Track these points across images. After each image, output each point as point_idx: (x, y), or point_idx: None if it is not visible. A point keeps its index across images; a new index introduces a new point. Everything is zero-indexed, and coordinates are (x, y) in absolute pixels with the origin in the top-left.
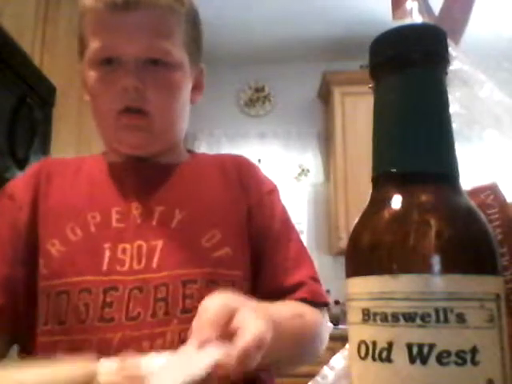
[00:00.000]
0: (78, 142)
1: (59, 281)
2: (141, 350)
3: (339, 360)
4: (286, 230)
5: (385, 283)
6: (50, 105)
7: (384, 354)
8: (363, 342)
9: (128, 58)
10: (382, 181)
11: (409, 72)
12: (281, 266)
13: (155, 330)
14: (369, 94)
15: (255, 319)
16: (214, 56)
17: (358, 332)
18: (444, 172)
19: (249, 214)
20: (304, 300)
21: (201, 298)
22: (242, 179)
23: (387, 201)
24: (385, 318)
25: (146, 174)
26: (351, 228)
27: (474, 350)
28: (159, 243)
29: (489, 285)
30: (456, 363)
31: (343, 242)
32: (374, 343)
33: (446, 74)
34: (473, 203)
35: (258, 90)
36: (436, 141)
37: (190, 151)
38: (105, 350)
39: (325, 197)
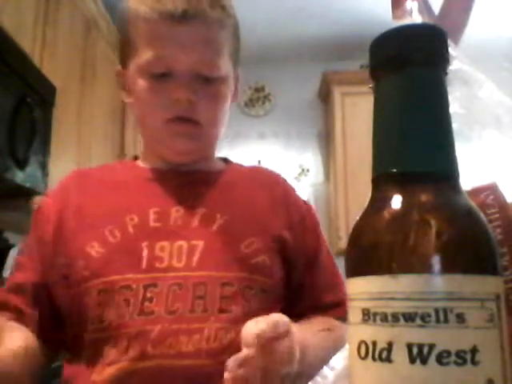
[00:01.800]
0: (78, 141)
1: (99, 280)
2: (178, 344)
3: (339, 360)
4: (324, 248)
5: (385, 283)
6: (50, 105)
7: (384, 354)
8: (363, 342)
9: (181, 71)
10: (382, 181)
11: (409, 72)
12: (321, 283)
13: (193, 325)
14: (369, 93)
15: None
16: None
17: (358, 332)
18: (444, 172)
19: (290, 230)
20: (341, 318)
21: (236, 300)
22: (287, 196)
23: (387, 201)
24: (385, 318)
25: (187, 179)
26: (351, 228)
27: (474, 350)
28: (200, 244)
29: (489, 285)
30: (456, 363)
31: (343, 242)
32: (374, 343)
33: (446, 74)
34: (473, 203)
35: (258, 89)
36: (436, 141)
37: (223, 159)
38: (143, 341)
39: (325, 197)
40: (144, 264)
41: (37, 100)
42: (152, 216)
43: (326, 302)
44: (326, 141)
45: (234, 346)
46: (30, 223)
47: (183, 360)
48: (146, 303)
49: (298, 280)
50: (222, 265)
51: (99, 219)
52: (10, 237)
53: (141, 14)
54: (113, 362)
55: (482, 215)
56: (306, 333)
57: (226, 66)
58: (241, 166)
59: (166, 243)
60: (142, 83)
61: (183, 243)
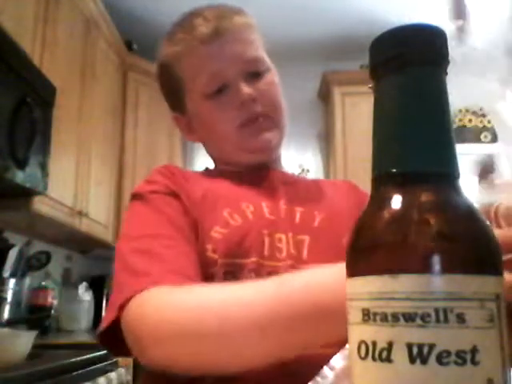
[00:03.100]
0: (78, 141)
1: (226, 260)
2: None
3: (339, 360)
4: None
5: (385, 283)
6: (50, 105)
7: (384, 354)
8: (363, 342)
9: (233, 77)
10: (382, 181)
11: (409, 72)
12: None
13: None
14: (369, 93)
15: None
16: None
17: (358, 332)
18: (444, 172)
19: None
20: None
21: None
22: (360, 203)
23: (387, 201)
24: (385, 318)
25: (274, 179)
26: (351, 228)
27: (474, 350)
28: (306, 238)
29: (489, 285)
30: (456, 363)
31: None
32: (374, 343)
33: (446, 74)
34: (473, 203)
35: None
36: (436, 141)
37: None
38: None
39: None
40: (266, 251)
41: (37, 100)
42: (265, 209)
43: None
44: (326, 141)
45: None
46: (30, 223)
47: (327, 349)
48: None
49: None
50: (329, 259)
51: (214, 203)
52: (10, 237)
53: (182, 51)
54: None
55: (482, 215)
56: None
57: (266, 58)
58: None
59: (282, 235)
60: (205, 108)
61: (292, 237)
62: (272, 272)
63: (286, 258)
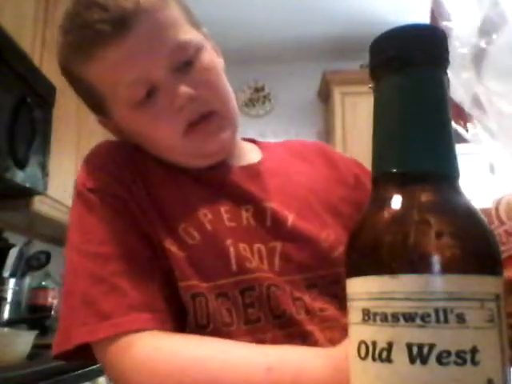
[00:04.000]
0: (77, 141)
1: (188, 283)
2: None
3: None
4: None
5: (385, 283)
6: (50, 105)
7: (384, 354)
8: (363, 342)
9: (162, 76)
10: (382, 181)
11: (409, 72)
12: None
13: (306, 328)
14: (369, 93)
15: None
16: None
17: (358, 332)
18: (444, 172)
19: (349, 195)
20: None
21: (325, 298)
22: (332, 159)
23: (387, 201)
24: (385, 318)
25: (234, 176)
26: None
27: (474, 350)
28: (278, 245)
29: (489, 285)
30: (456, 363)
31: None
32: (374, 343)
33: (446, 74)
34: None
35: (258, 89)
36: (436, 141)
37: (253, 141)
38: None
39: None
40: (234, 266)
41: (37, 100)
42: (225, 215)
43: None
44: (326, 141)
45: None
46: (30, 223)
47: None
48: (249, 310)
49: None
50: (303, 266)
51: (169, 215)
52: (10, 237)
53: (83, 57)
54: None
55: (482, 215)
56: None
57: (194, 36)
58: (278, 145)
59: (246, 245)
60: (137, 118)
61: (261, 246)
62: (245, 289)
63: (256, 269)
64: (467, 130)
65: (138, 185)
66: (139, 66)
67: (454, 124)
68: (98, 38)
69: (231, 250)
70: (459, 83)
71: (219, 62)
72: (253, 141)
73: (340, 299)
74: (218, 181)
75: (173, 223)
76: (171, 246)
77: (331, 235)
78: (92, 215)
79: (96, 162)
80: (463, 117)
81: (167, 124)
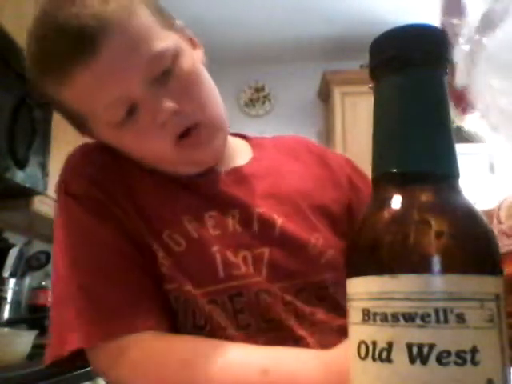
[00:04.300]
0: (77, 142)
1: (178, 290)
2: None
3: None
4: None
5: (385, 283)
6: (50, 105)
7: (384, 354)
8: (363, 342)
9: (140, 92)
10: (382, 181)
11: (409, 72)
12: None
13: (297, 333)
14: (369, 93)
15: None
16: (214, 56)
17: (358, 332)
18: (444, 172)
19: (342, 196)
20: None
21: (313, 303)
22: (323, 158)
23: (387, 201)
24: (385, 318)
25: (221, 181)
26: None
27: (474, 350)
28: (265, 251)
29: (488, 285)
30: (456, 363)
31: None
32: (374, 343)
33: (446, 74)
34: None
35: (258, 89)
36: (436, 141)
37: (243, 136)
38: None
39: None
40: (221, 273)
41: (37, 100)
42: (209, 221)
43: None
44: (326, 141)
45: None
46: (30, 223)
47: None
48: (239, 315)
49: None
50: (291, 272)
51: (154, 222)
52: (10, 237)
53: (53, 82)
54: None
55: (482, 215)
56: None
57: (169, 42)
58: (269, 142)
59: (231, 252)
60: (120, 138)
61: (247, 253)
62: (234, 296)
63: (244, 276)
64: (464, 117)
65: (120, 189)
66: (114, 86)
67: (453, 115)
68: (66, 64)
69: (217, 256)
70: (463, 75)
71: (198, 58)
72: (244, 137)
73: (329, 302)
74: (204, 187)
75: (157, 229)
76: (157, 252)
77: (320, 239)
78: (74, 221)
79: (76, 166)
80: (464, 103)
81: (153, 140)
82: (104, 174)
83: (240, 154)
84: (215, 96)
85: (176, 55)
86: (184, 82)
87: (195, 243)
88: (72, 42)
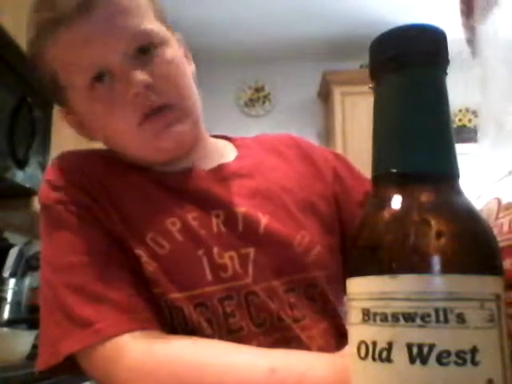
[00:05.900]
0: (78, 142)
1: (163, 294)
2: None
3: None
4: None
5: (385, 283)
6: (50, 105)
7: (384, 354)
8: (363, 342)
9: (117, 60)
10: (382, 181)
11: (409, 72)
12: None
13: (289, 333)
14: (369, 93)
15: None
16: (214, 56)
17: (358, 332)
18: (444, 172)
19: (328, 190)
20: None
21: (303, 303)
22: (308, 153)
23: (387, 201)
24: (385, 318)
25: (202, 181)
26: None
27: (474, 350)
28: (251, 251)
29: (489, 285)
30: (456, 363)
31: None
32: (374, 343)
33: (446, 74)
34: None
35: (258, 89)
36: (436, 141)
37: (227, 138)
38: None
39: None
40: (209, 276)
41: (37, 100)
42: (193, 222)
43: None
44: (326, 141)
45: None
46: (30, 223)
47: None
48: (231, 319)
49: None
50: (278, 271)
51: (136, 224)
52: (10, 237)
53: (43, 39)
54: None
55: (481, 215)
56: None
57: (159, 28)
58: (253, 141)
59: (217, 253)
60: (90, 105)
61: (233, 254)
62: (223, 299)
63: (232, 278)
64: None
65: (102, 193)
66: (95, 49)
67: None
68: (61, 19)
69: (204, 259)
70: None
71: (187, 66)
72: (226, 138)
73: (318, 303)
74: (186, 187)
75: (140, 232)
76: (142, 256)
77: (306, 237)
78: (60, 227)
79: (58, 173)
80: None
81: (121, 113)
82: (87, 179)
83: (223, 154)
84: (194, 94)
85: (162, 43)
86: (164, 67)
87: (180, 245)
88: (72, 1)
